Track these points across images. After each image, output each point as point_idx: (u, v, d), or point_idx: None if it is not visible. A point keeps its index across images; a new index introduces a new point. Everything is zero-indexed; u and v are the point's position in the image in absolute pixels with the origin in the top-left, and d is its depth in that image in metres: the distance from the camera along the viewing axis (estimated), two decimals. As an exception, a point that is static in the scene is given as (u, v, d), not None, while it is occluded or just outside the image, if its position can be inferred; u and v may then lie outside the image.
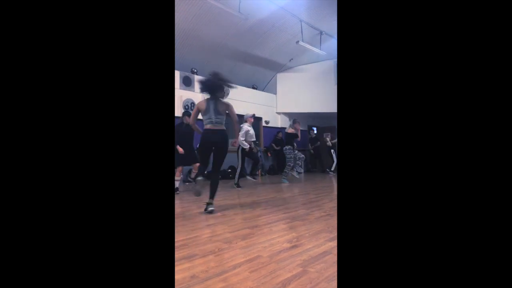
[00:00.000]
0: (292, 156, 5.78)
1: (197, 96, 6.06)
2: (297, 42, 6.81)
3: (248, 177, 5.81)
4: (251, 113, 5.36)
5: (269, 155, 8.27)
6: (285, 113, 8.96)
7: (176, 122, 4.14)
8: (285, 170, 5.88)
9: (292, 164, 5.85)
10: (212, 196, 2.91)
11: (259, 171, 5.23)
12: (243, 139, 4.95)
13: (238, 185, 4.91)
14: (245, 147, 5.00)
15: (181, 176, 4.62)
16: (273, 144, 7.99)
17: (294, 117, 6.30)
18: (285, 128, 6.85)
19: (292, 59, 8.24)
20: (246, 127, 5.05)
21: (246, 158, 5.23)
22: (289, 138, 5.82)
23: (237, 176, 5.01)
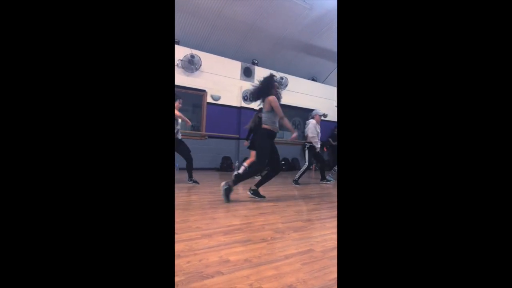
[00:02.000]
0: None
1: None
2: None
3: (323, 182, 4.97)
4: (322, 111, 4.90)
5: (325, 150, 8.05)
6: (345, 108, 8.58)
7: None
8: (335, 167, 5.46)
9: None
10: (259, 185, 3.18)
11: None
12: (313, 135, 4.67)
13: (297, 182, 4.55)
14: (317, 146, 4.71)
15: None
16: (330, 139, 7.76)
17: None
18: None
19: (357, 50, 7.81)
20: (312, 124, 4.72)
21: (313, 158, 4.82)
22: None
23: (300, 173, 4.63)
